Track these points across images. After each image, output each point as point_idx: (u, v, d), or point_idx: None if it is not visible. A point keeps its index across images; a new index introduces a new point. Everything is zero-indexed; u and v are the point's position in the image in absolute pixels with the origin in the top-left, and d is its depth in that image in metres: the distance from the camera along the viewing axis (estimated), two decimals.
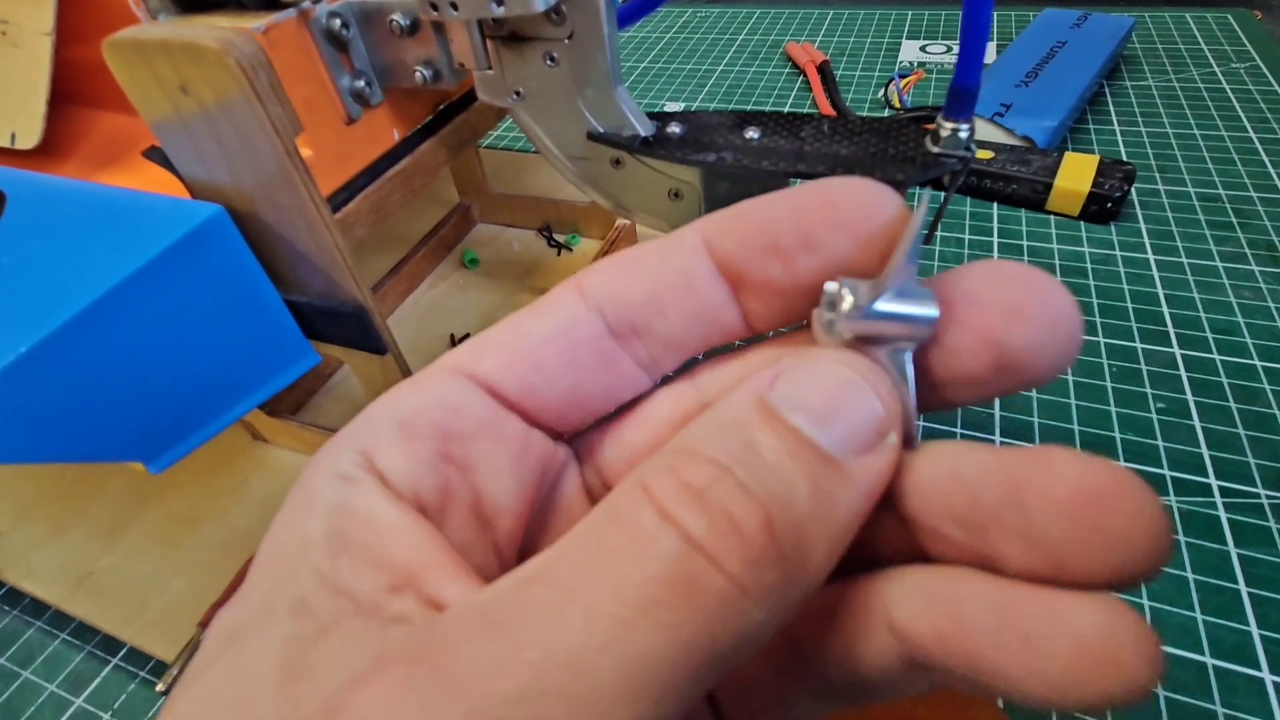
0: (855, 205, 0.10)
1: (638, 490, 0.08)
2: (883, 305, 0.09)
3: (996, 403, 0.28)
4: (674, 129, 0.23)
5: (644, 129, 0.23)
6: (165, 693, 0.22)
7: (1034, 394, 0.29)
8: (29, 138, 0.22)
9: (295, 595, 0.09)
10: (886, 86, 0.49)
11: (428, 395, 0.10)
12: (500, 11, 0.19)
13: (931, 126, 0.20)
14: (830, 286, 0.09)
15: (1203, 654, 0.21)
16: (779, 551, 0.08)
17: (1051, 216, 0.38)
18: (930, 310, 0.09)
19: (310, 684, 0.08)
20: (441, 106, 0.26)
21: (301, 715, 0.07)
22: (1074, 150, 0.42)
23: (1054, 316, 0.09)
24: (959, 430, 0.28)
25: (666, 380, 0.12)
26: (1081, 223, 0.37)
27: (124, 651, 0.25)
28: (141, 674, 0.24)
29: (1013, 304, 0.09)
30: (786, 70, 0.56)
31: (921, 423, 0.28)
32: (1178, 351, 0.30)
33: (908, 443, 0.09)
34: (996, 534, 0.08)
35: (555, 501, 0.12)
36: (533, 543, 0.12)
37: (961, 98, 0.19)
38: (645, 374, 0.11)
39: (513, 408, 0.11)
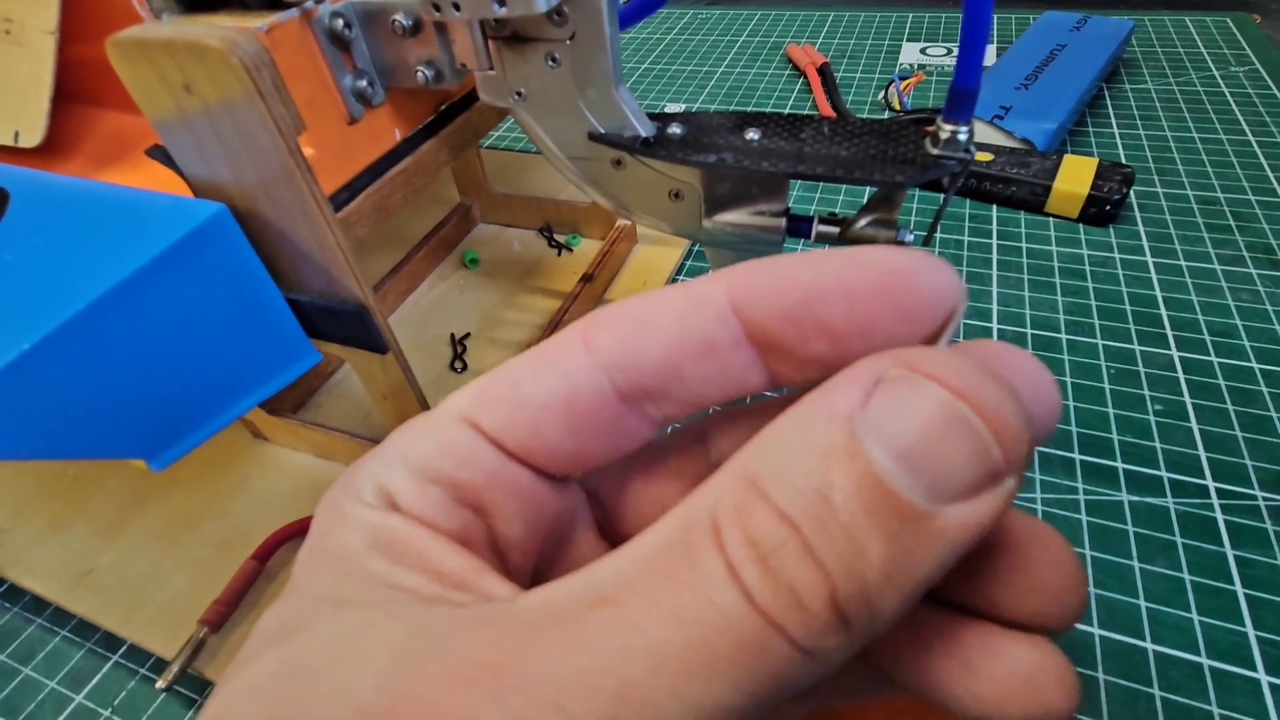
0: (922, 293, 0.09)
1: (709, 531, 0.08)
2: None
3: None
4: (675, 130, 0.23)
5: (645, 130, 0.23)
6: (165, 690, 0.22)
7: None
8: (32, 136, 0.22)
9: (357, 590, 0.09)
10: (887, 88, 0.50)
11: (438, 443, 0.10)
12: (502, 12, 0.19)
13: (931, 129, 0.21)
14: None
15: (1199, 655, 0.21)
16: (843, 621, 0.08)
17: (1050, 219, 0.38)
18: None
19: (384, 658, 0.08)
20: (443, 106, 0.26)
21: (389, 698, 0.08)
22: (1073, 153, 0.42)
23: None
24: None
25: None
26: (1080, 225, 0.37)
27: (124, 648, 0.25)
28: (142, 671, 0.24)
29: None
30: (787, 72, 0.56)
31: None
32: (1175, 354, 0.30)
33: None
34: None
35: (566, 534, 0.12)
36: (546, 571, 0.12)
37: (961, 100, 0.19)
38: (653, 429, 0.11)
39: (516, 460, 0.11)
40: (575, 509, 0.12)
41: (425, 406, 0.25)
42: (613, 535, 0.13)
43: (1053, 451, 0.27)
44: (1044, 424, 0.09)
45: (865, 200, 0.23)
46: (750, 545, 0.08)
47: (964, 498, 0.08)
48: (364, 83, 0.21)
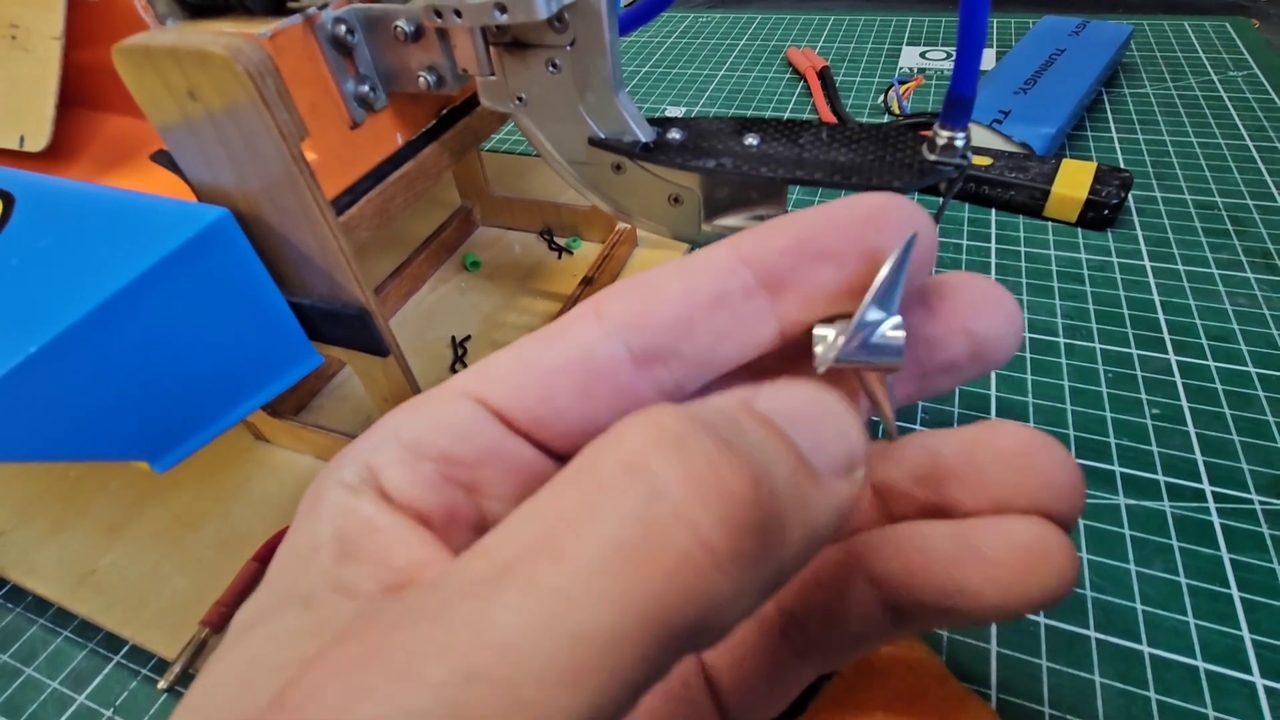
0: (900, 219, 0.10)
1: (605, 439, 0.07)
2: (850, 354, 0.10)
3: (992, 408, 0.29)
4: (674, 135, 0.23)
5: (644, 135, 0.23)
6: (167, 690, 0.22)
7: (1029, 400, 0.29)
8: (37, 140, 0.22)
9: (304, 591, 0.09)
10: (886, 92, 0.50)
11: (434, 418, 0.10)
12: (504, 19, 0.20)
13: (929, 134, 0.21)
14: (817, 332, 0.10)
15: (1195, 658, 0.21)
16: (760, 519, 0.07)
17: (1049, 223, 0.38)
18: (896, 357, 0.10)
19: (293, 668, 0.08)
20: (444, 111, 0.26)
21: (266, 698, 0.07)
22: (1071, 157, 0.42)
23: (1006, 310, 0.11)
24: None
25: None
26: (1078, 229, 0.38)
27: (126, 649, 0.25)
28: (143, 672, 0.24)
29: (976, 302, 0.11)
30: (787, 76, 0.56)
31: (920, 426, 0.29)
32: (1173, 358, 0.30)
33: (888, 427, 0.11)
34: (952, 485, 0.11)
35: None
36: None
37: (957, 106, 0.19)
38: (664, 397, 0.11)
39: (522, 434, 0.10)
40: None
41: None
42: None
43: None
44: (1013, 332, 0.11)
45: None
46: (662, 434, 0.07)
47: (836, 474, 0.09)
48: (366, 88, 0.22)
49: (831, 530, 0.08)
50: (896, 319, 0.10)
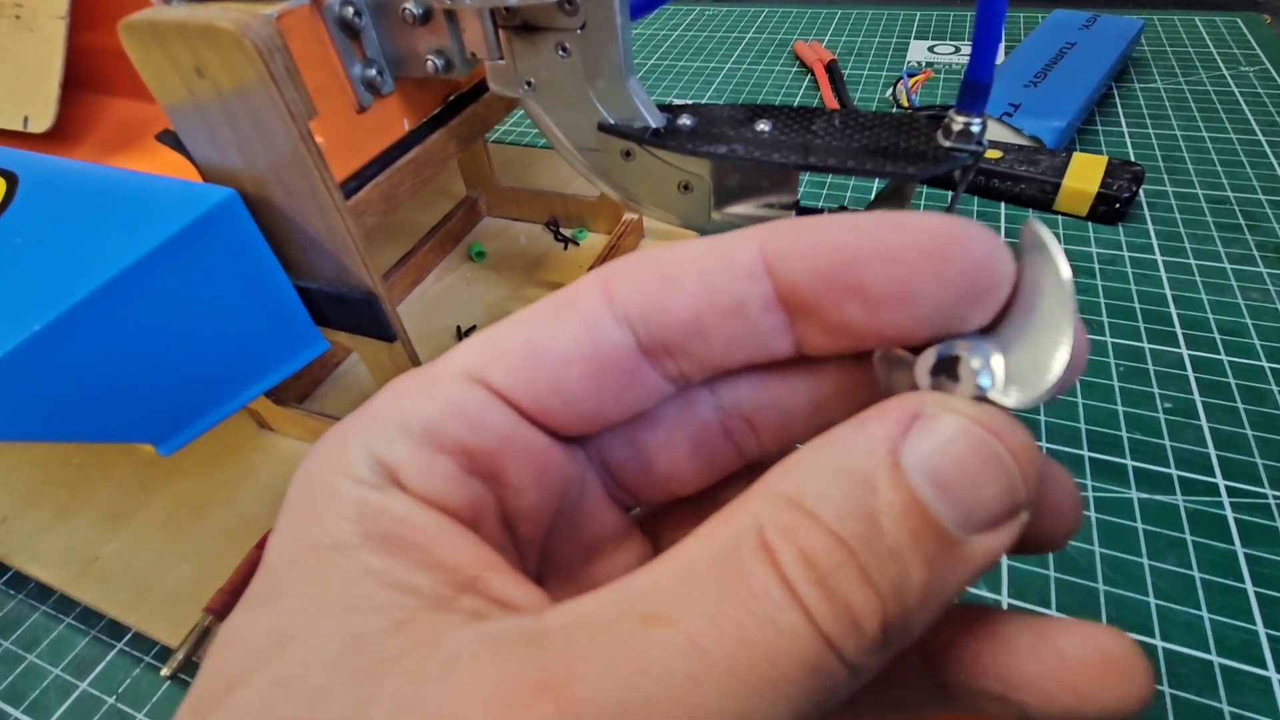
0: (965, 261, 0.09)
1: (759, 548, 0.08)
2: (997, 397, 0.08)
3: None
4: (685, 121, 0.23)
5: (655, 121, 0.23)
6: (170, 677, 0.22)
7: None
8: (42, 121, 0.22)
9: (352, 592, 0.08)
10: (894, 86, 0.49)
11: (444, 405, 0.09)
12: (513, 1, 0.19)
13: (945, 121, 0.20)
14: (957, 352, 0.09)
15: (1209, 652, 0.21)
16: (887, 640, 0.08)
17: (1059, 217, 0.38)
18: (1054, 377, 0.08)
19: (399, 678, 0.07)
20: (452, 97, 0.26)
21: (405, 714, 0.07)
22: (1082, 151, 0.42)
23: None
24: None
25: None
26: (1089, 223, 0.37)
27: (129, 636, 0.25)
28: (146, 659, 0.24)
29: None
30: (794, 69, 0.56)
31: None
32: (1185, 352, 0.30)
33: None
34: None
35: (573, 501, 0.12)
36: (552, 539, 0.11)
37: (974, 92, 0.19)
38: (672, 386, 0.10)
39: (531, 420, 0.10)
40: (584, 474, 0.11)
41: None
42: (622, 499, 0.12)
43: (1062, 449, 0.27)
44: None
45: (874, 194, 0.23)
46: (807, 565, 0.08)
47: (990, 528, 0.08)
48: (373, 71, 0.21)
49: (971, 584, 0.08)
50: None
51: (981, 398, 0.09)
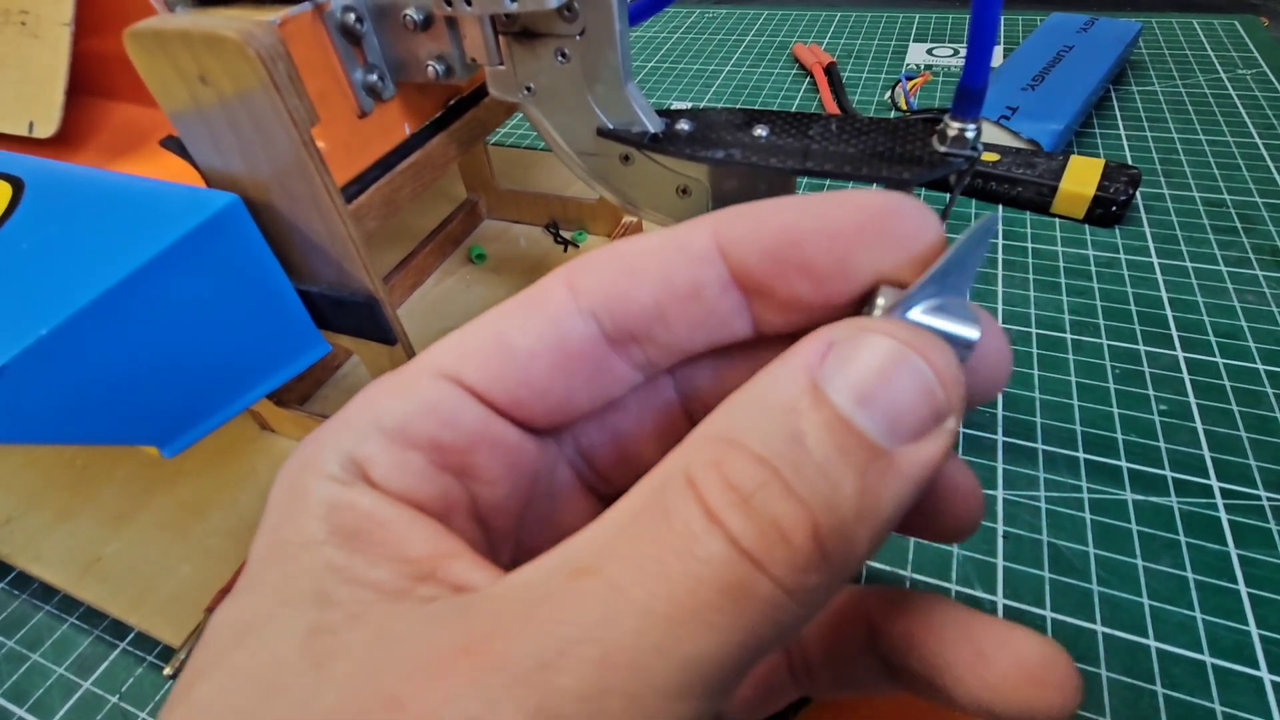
0: (901, 230, 0.09)
1: (684, 485, 0.08)
2: (916, 316, 0.09)
3: (999, 404, 0.29)
4: (683, 126, 0.23)
5: (653, 126, 0.23)
6: (173, 676, 0.22)
7: (1037, 395, 0.29)
8: (47, 127, 0.22)
9: (313, 586, 0.08)
10: (893, 89, 0.50)
11: (417, 403, 0.10)
12: (513, 7, 0.19)
13: (939, 126, 0.21)
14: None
15: (1202, 653, 0.21)
16: (823, 556, 0.08)
17: (1056, 219, 0.38)
18: (969, 331, 0.09)
19: (346, 665, 0.08)
20: (452, 101, 0.26)
21: (347, 697, 0.07)
22: (1079, 154, 0.42)
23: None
24: (961, 429, 0.28)
25: None
26: (1086, 226, 0.37)
27: (131, 636, 0.25)
28: (149, 658, 0.24)
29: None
30: (793, 72, 0.56)
31: None
32: (1180, 354, 0.30)
33: None
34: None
35: (546, 491, 0.12)
36: (527, 532, 0.12)
37: (969, 97, 0.19)
38: (639, 373, 0.11)
39: (503, 414, 0.10)
40: (556, 467, 0.12)
41: None
42: (599, 487, 0.12)
43: (1057, 450, 0.27)
44: (996, 375, 0.10)
45: None
46: (730, 490, 0.08)
47: (917, 437, 0.08)
48: (374, 77, 0.22)
49: (913, 500, 0.08)
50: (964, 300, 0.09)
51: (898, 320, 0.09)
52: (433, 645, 0.08)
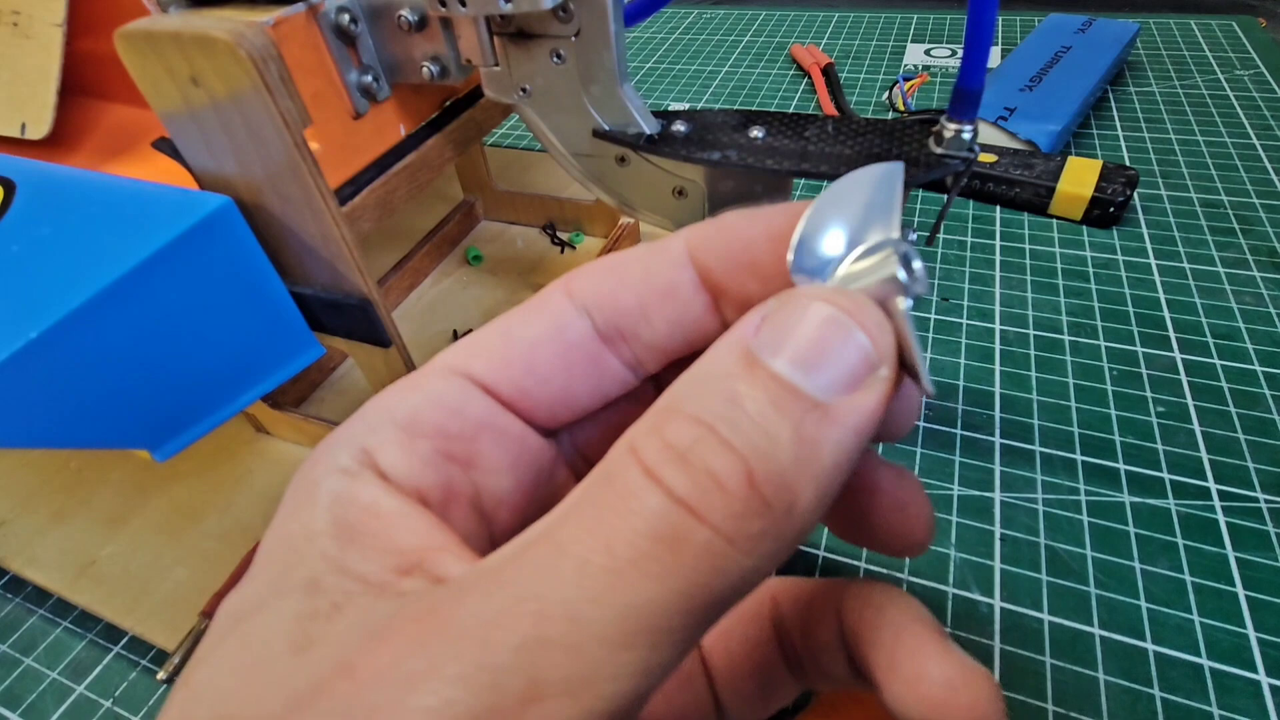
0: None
1: (627, 453, 0.08)
2: (844, 271, 0.09)
3: (997, 405, 0.29)
4: (679, 127, 0.23)
5: (649, 127, 0.23)
6: (166, 681, 0.22)
7: (1034, 397, 0.29)
8: (39, 128, 0.22)
9: (305, 577, 0.09)
10: (891, 89, 0.50)
11: (427, 396, 0.10)
12: (508, 8, 0.19)
13: (936, 128, 0.21)
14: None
15: (1199, 656, 0.21)
16: (762, 502, 0.08)
17: (1054, 220, 0.38)
18: (902, 272, 0.09)
19: (324, 649, 0.08)
20: (448, 103, 0.26)
21: (315, 675, 0.08)
22: (1077, 155, 0.42)
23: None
24: (959, 431, 0.28)
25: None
26: (1084, 227, 0.37)
27: (125, 640, 0.25)
28: (143, 663, 0.24)
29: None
30: (791, 72, 0.56)
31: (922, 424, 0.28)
32: (1178, 356, 0.30)
33: (914, 379, 0.09)
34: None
35: (549, 492, 0.12)
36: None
37: (965, 99, 0.19)
38: (631, 373, 0.12)
39: (509, 407, 0.11)
40: (557, 469, 0.12)
41: None
42: None
43: (1055, 452, 0.27)
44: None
45: None
46: (667, 449, 0.08)
47: (851, 389, 0.08)
48: (369, 78, 0.21)
49: (856, 450, 0.08)
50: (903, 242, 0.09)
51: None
52: (389, 621, 0.08)
